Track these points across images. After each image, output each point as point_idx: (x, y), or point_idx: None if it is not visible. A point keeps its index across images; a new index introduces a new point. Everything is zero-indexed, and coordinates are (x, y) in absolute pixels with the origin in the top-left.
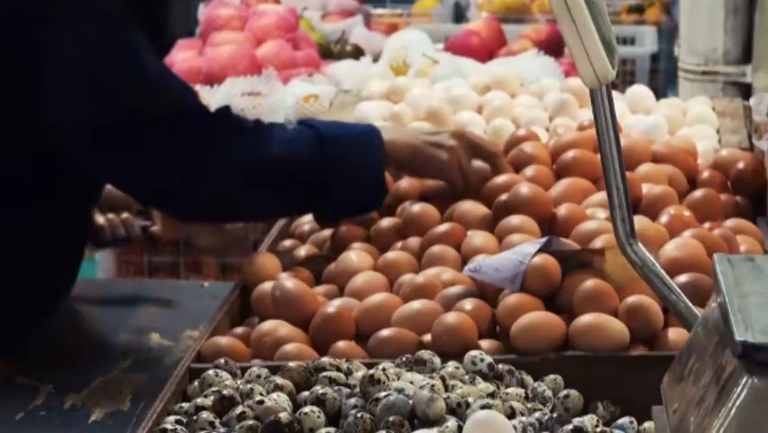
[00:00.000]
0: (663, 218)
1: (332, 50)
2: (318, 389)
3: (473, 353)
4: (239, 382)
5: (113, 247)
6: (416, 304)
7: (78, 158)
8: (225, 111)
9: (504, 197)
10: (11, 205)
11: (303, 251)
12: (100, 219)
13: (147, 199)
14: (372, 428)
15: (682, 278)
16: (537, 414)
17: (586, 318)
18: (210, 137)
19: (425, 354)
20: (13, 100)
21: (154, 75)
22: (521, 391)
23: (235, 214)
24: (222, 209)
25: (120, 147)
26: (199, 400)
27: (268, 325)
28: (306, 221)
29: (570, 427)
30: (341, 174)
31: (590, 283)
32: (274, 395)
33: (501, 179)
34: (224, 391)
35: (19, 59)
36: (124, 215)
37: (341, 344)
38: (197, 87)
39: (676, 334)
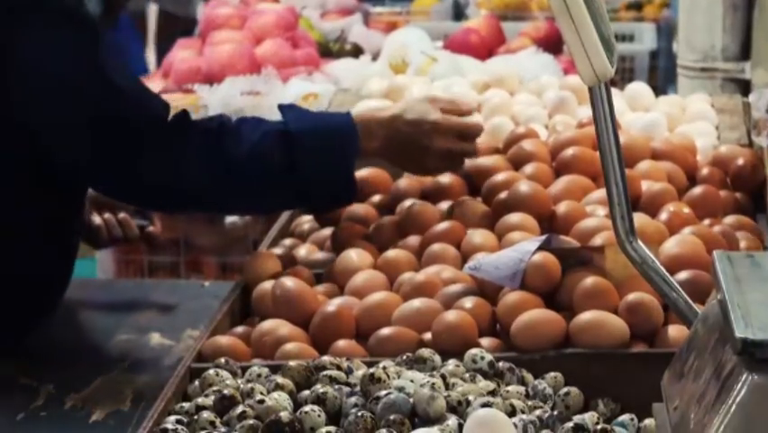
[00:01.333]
0: (663, 215)
1: (331, 49)
2: (319, 388)
3: (474, 351)
4: (239, 381)
5: (111, 247)
6: (417, 302)
7: (52, 158)
8: (183, 115)
9: (503, 194)
10: (3, 205)
11: (303, 250)
12: (97, 219)
13: (119, 199)
14: (373, 426)
15: (682, 275)
16: (538, 412)
17: (586, 316)
18: (168, 143)
19: (426, 352)
20: None
21: (119, 82)
22: (521, 388)
23: (214, 210)
24: (199, 207)
25: (86, 151)
26: (200, 400)
27: (268, 324)
28: (306, 221)
29: (570, 424)
30: (308, 174)
31: (590, 281)
32: (275, 394)
33: (501, 177)
34: (225, 391)
35: None
36: (121, 214)
37: (341, 343)
38: (197, 87)
39: (676, 331)
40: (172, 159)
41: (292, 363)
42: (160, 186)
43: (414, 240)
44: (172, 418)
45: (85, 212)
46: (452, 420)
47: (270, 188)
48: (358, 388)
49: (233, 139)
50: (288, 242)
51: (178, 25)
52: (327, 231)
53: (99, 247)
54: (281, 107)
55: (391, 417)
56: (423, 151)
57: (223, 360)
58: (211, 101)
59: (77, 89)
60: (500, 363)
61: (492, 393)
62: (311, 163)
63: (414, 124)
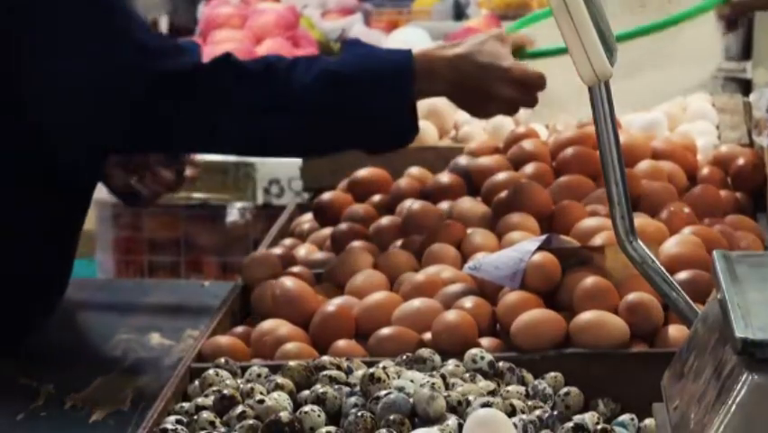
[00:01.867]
0: (663, 215)
1: (332, 48)
2: (319, 388)
3: (473, 351)
4: (239, 381)
5: (155, 201)
6: (416, 302)
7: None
8: (224, 60)
9: (504, 194)
10: (3, 205)
11: (303, 250)
12: (133, 180)
13: (162, 152)
14: (373, 426)
15: (682, 275)
16: (538, 412)
17: (586, 316)
18: (209, 91)
19: (426, 352)
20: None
21: (151, 43)
22: (521, 388)
23: (265, 153)
24: (253, 150)
25: (134, 114)
26: (200, 400)
27: (268, 324)
28: (306, 220)
29: (570, 424)
30: (359, 115)
31: (590, 281)
32: (274, 394)
33: (501, 176)
34: (225, 391)
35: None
36: (157, 169)
37: (341, 342)
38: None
39: (676, 331)
40: (215, 106)
41: (292, 363)
42: (201, 136)
43: (414, 240)
44: (172, 418)
45: (117, 177)
46: (452, 420)
47: (322, 130)
48: (358, 388)
49: (283, 81)
50: (287, 242)
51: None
52: (327, 231)
53: (146, 206)
54: (344, 43)
55: (391, 417)
56: (488, 96)
57: (222, 360)
58: None
59: (107, 56)
60: (500, 363)
61: (492, 393)
62: (362, 105)
63: (484, 68)
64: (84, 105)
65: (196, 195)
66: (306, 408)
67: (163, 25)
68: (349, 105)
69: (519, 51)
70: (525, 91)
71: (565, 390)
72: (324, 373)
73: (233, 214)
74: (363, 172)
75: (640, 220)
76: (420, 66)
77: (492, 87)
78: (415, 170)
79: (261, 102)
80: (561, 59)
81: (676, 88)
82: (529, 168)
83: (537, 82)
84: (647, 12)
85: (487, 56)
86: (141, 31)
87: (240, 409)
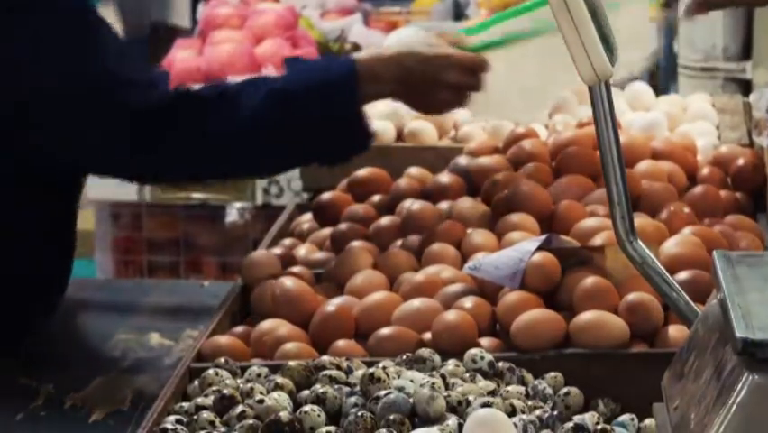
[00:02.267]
0: (663, 215)
1: (331, 49)
2: (318, 388)
3: (473, 351)
4: (239, 381)
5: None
6: (416, 302)
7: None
8: (184, 91)
9: (504, 194)
10: (3, 205)
11: (303, 250)
12: None
13: (114, 177)
14: (373, 426)
15: (682, 275)
16: (538, 412)
17: (586, 316)
18: (161, 126)
19: (426, 352)
20: None
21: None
22: (521, 388)
23: (221, 176)
24: (201, 177)
25: (86, 129)
26: (199, 400)
27: (268, 324)
28: (306, 220)
29: (570, 424)
30: (310, 130)
31: (590, 281)
32: (274, 394)
33: (501, 176)
34: (225, 391)
35: None
36: None
37: (341, 342)
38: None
39: (676, 331)
40: (185, 139)
41: (292, 362)
42: (158, 166)
43: (413, 240)
44: (172, 418)
45: None
46: (452, 420)
47: (278, 148)
48: (358, 388)
49: (236, 106)
50: (287, 242)
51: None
52: (327, 231)
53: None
54: (286, 62)
55: (391, 417)
56: (435, 85)
57: (222, 360)
58: None
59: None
60: (500, 363)
61: (492, 393)
62: (312, 118)
63: (427, 58)
64: (58, 123)
65: (196, 195)
66: (306, 408)
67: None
68: (300, 121)
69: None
70: (470, 74)
71: (565, 390)
72: (324, 372)
73: (233, 214)
74: (363, 172)
75: (640, 220)
76: (363, 70)
77: (438, 75)
78: (415, 170)
79: (220, 128)
80: (505, 55)
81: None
82: (529, 168)
83: (480, 64)
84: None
85: (426, 47)
86: (114, 59)
87: (240, 409)
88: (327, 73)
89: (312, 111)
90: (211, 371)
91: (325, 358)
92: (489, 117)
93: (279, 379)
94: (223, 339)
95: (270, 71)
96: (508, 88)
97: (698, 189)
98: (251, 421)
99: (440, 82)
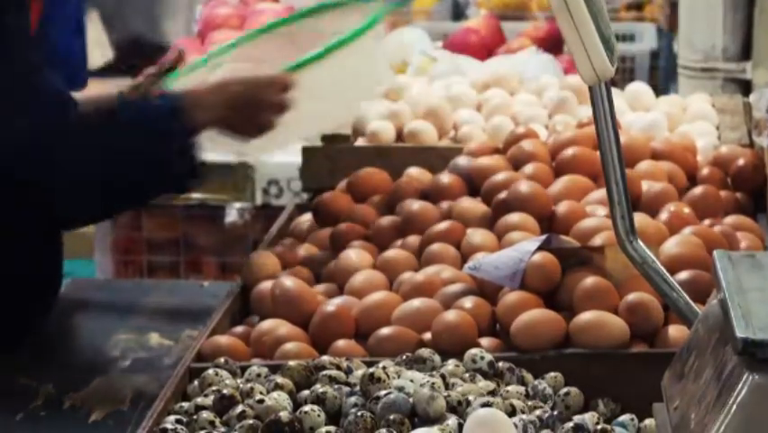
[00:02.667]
0: (663, 215)
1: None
2: (318, 388)
3: (473, 351)
4: (239, 381)
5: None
6: (416, 302)
7: None
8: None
9: (503, 194)
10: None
11: (303, 250)
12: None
13: None
14: (373, 426)
15: (682, 275)
16: (538, 412)
17: (586, 316)
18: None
19: (425, 352)
20: None
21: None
22: (521, 388)
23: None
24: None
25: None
26: (199, 400)
27: (267, 324)
28: (306, 220)
29: (570, 424)
30: (142, 169)
31: (590, 281)
32: (274, 394)
33: (500, 176)
34: (224, 391)
35: None
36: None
37: (341, 342)
38: None
39: (676, 331)
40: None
41: (292, 362)
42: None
43: (413, 240)
44: (171, 417)
45: None
46: (452, 420)
47: (112, 190)
48: (358, 388)
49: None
50: (287, 242)
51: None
52: (327, 231)
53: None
54: (119, 105)
55: (391, 417)
56: (260, 106)
57: (222, 360)
58: None
59: None
60: (500, 364)
61: (492, 393)
62: (142, 155)
63: (250, 82)
64: None
65: (195, 195)
66: (306, 408)
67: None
68: (132, 157)
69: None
70: (287, 92)
71: (565, 390)
72: (324, 372)
73: (232, 214)
74: (363, 172)
75: (640, 220)
76: (189, 103)
77: (262, 96)
78: (414, 171)
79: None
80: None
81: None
82: (529, 168)
83: (291, 81)
84: (300, 49)
85: (246, 72)
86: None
87: (240, 408)
88: (156, 112)
89: (144, 146)
90: (211, 371)
91: (325, 358)
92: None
93: (279, 379)
94: (222, 339)
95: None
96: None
97: (698, 190)
98: (251, 421)
99: (265, 102)
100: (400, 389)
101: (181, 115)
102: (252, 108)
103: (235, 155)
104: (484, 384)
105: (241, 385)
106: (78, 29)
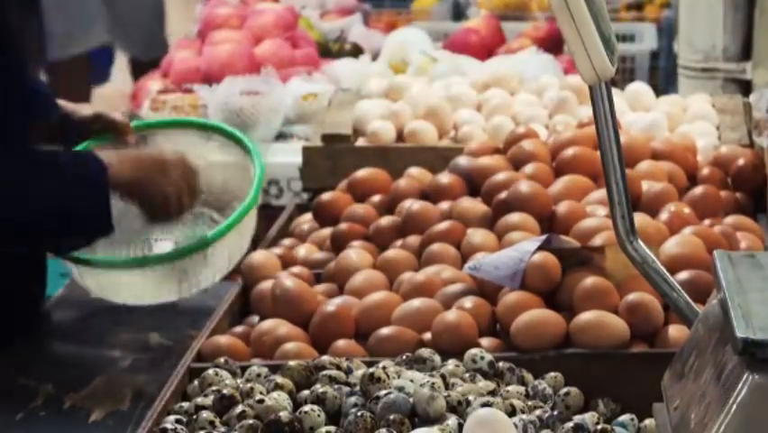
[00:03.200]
0: (663, 215)
1: (331, 49)
2: (318, 388)
3: (473, 351)
4: (239, 381)
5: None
6: (416, 302)
7: None
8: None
9: (503, 194)
10: None
11: (303, 250)
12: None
13: None
14: (373, 426)
15: (683, 275)
16: (538, 412)
17: (586, 316)
18: None
19: (426, 352)
20: None
21: None
22: (521, 388)
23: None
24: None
25: None
26: (199, 400)
27: (267, 324)
28: (306, 220)
29: (570, 424)
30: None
31: (590, 281)
32: (274, 394)
33: (501, 176)
34: (224, 391)
35: None
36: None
37: (341, 342)
38: (196, 87)
39: (676, 331)
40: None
41: (292, 362)
42: None
43: (413, 240)
44: (171, 417)
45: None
46: (452, 420)
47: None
48: (358, 388)
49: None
50: (287, 242)
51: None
52: (327, 231)
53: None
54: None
55: (391, 417)
56: (170, 177)
57: (222, 360)
58: (210, 101)
59: None
60: (500, 364)
61: (492, 393)
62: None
63: (160, 157)
64: None
65: None
66: (306, 407)
67: None
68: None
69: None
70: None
71: (565, 390)
72: (324, 372)
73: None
74: (363, 172)
75: (640, 220)
76: (108, 157)
77: (176, 170)
78: (414, 171)
79: None
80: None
81: None
82: (529, 168)
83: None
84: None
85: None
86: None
87: (239, 408)
88: (75, 162)
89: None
90: (211, 371)
91: (325, 358)
92: None
93: (279, 379)
94: (222, 339)
95: (270, 72)
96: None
97: (698, 190)
98: (250, 421)
99: (175, 176)
100: (400, 389)
101: (98, 164)
102: (164, 178)
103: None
104: (484, 384)
105: (241, 385)
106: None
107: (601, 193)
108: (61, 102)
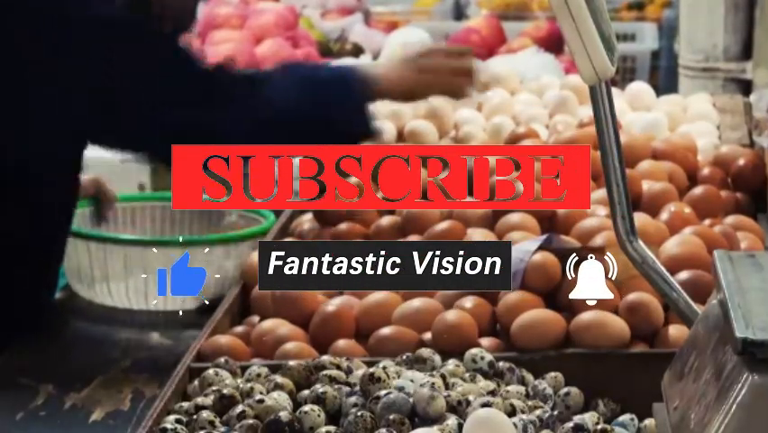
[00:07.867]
0: (664, 215)
1: (331, 49)
2: (318, 387)
3: (474, 351)
4: (239, 381)
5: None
6: (416, 302)
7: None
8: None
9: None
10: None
11: None
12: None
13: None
14: (373, 426)
15: (683, 275)
16: (538, 412)
17: (586, 316)
18: (213, 94)
19: (426, 352)
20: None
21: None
22: (521, 388)
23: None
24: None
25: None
26: (199, 400)
27: (268, 324)
28: (306, 220)
29: (570, 424)
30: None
31: None
32: (274, 394)
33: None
34: (225, 391)
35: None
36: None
37: (341, 342)
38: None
39: (676, 331)
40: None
41: (292, 362)
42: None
43: (414, 240)
44: (172, 417)
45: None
46: (452, 420)
47: (295, 125)
48: (358, 388)
49: (265, 89)
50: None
51: None
52: (327, 231)
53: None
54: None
55: (391, 416)
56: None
57: (222, 360)
58: None
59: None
60: (500, 363)
61: (492, 393)
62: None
63: (431, 51)
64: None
65: None
66: (306, 407)
67: None
68: (321, 101)
69: None
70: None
71: (565, 390)
72: (324, 372)
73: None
74: None
75: (640, 220)
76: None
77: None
78: None
79: (250, 110)
80: None
81: None
82: None
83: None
84: None
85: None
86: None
87: (240, 408)
88: (338, 70)
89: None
90: (211, 371)
91: (325, 358)
92: None
93: (279, 379)
94: (223, 339)
95: None
96: None
97: (698, 190)
98: (250, 421)
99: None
100: (400, 389)
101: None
102: (432, 74)
103: None
104: (484, 384)
105: (241, 385)
106: None
107: (602, 193)
108: None
